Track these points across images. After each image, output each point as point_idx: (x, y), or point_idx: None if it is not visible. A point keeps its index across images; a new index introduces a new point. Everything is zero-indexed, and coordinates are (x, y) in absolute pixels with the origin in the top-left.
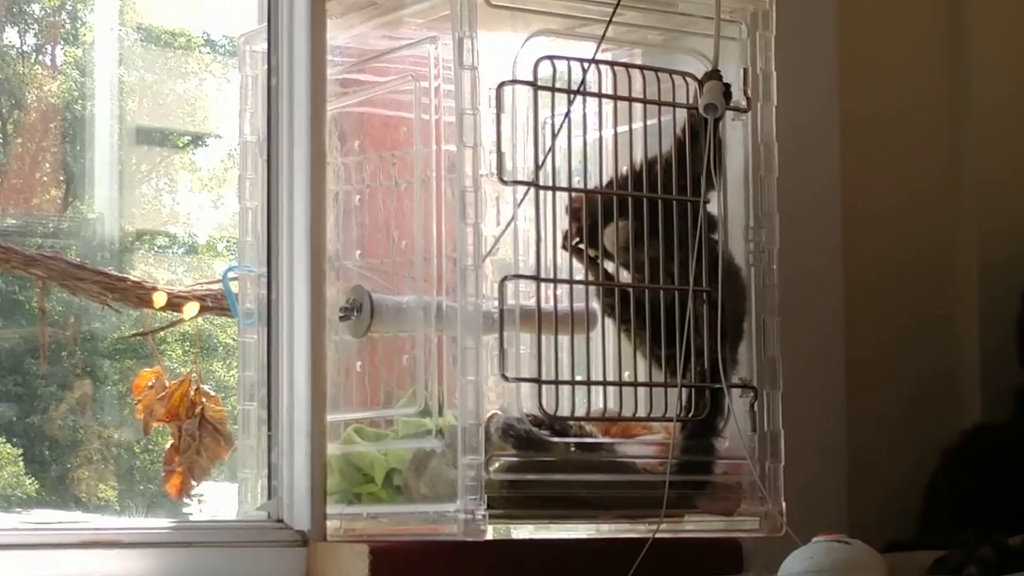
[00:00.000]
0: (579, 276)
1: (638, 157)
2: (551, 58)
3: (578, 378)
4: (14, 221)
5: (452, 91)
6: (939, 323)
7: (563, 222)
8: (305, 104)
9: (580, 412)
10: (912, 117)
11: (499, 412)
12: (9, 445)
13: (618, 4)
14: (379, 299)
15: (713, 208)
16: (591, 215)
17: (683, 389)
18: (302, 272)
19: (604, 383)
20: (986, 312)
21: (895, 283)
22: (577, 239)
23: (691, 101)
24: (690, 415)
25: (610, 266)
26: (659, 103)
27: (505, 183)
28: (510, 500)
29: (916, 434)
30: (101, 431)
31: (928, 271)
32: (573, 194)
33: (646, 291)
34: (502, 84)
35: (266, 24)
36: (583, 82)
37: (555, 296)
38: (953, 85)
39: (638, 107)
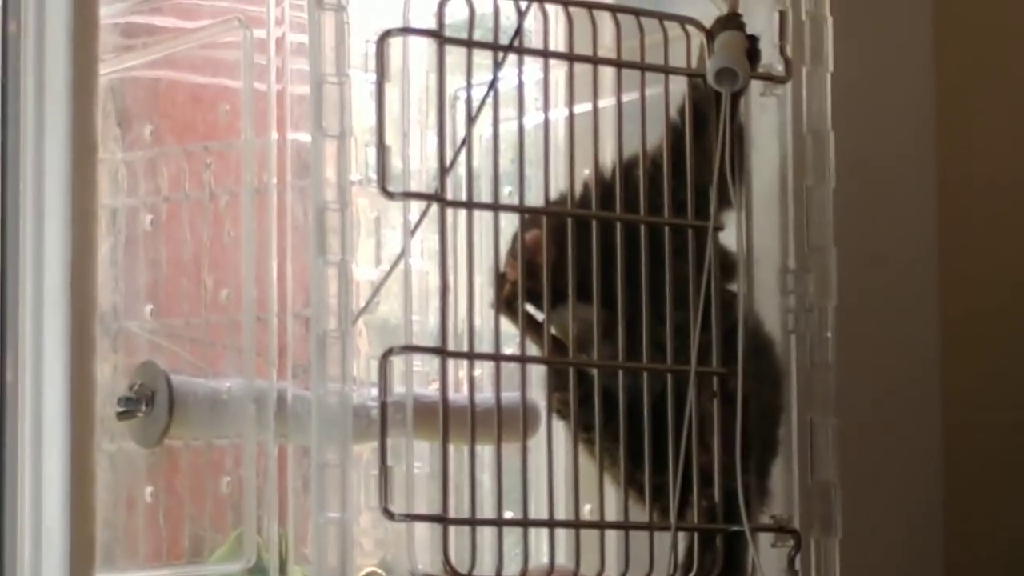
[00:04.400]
0: (511, 348)
1: (608, 156)
2: None
3: (508, 515)
4: None
5: (304, 45)
6: None
7: (487, 259)
8: (64, 64)
9: (512, 571)
10: None
11: (378, 571)
12: None
13: None
14: (182, 384)
15: (729, 239)
16: (531, 250)
17: (680, 534)
18: (56, 341)
19: (551, 523)
20: None
21: (1015, 358)
22: (510, 288)
23: (695, 64)
24: None
25: None
26: (643, 67)
27: (391, 196)
28: None
29: None
30: None
31: None
32: (524, 230)
33: (620, 374)
34: (387, 34)
35: None
36: (518, 32)
37: (470, 380)
38: None
39: (609, 75)
